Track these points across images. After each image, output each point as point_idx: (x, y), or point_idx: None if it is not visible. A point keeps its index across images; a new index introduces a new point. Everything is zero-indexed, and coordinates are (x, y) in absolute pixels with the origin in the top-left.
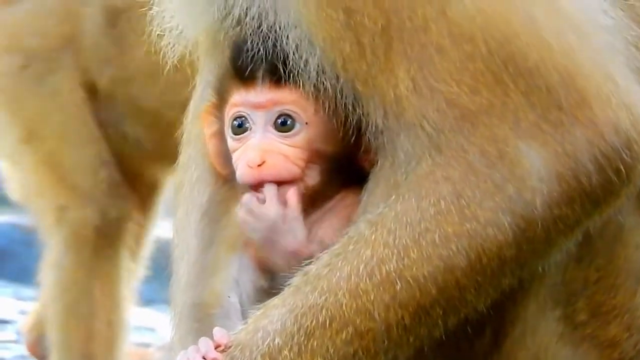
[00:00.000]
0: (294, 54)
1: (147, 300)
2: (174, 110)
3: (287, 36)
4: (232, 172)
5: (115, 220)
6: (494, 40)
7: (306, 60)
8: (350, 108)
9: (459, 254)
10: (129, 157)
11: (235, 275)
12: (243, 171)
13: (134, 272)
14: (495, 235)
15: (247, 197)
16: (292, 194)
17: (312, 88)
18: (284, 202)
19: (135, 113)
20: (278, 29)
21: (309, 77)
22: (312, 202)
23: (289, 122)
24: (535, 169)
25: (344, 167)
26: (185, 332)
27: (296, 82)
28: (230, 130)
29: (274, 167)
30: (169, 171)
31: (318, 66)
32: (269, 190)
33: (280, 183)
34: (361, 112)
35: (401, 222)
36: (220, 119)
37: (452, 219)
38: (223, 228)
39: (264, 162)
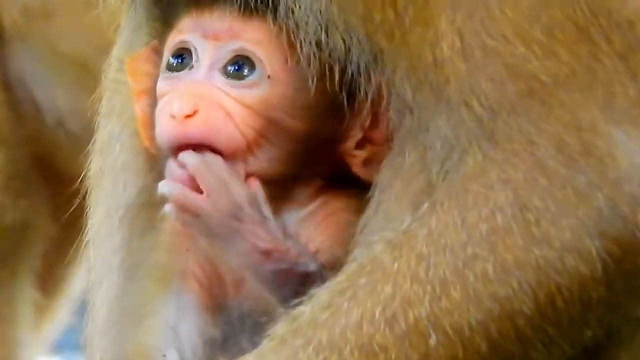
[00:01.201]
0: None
1: (54, 346)
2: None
3: None
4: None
5: (13, 228)
6: None
7: (306, 6)
8: (365, 77)
9: (522, 294)
10: (42, 132)
11: (172, 322)
12: (163, 125)
13: (42, 306)
14: (577, 266)
15: (191, 163)
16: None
17: (313, 46)
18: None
19: (54, 65)
20: None
21: (308, 32)
22: (272, 203)
23: (246, 70)
24: (638, 168)
25: (322, 161)
26: None
27: (273, 20)
28: (164, 67)
29: (208, 122)
30: None
31: (321, 13)
32: (219, 162)
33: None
34: (381, 81)
35: (437, 244)
36: (157, 69)
37: (512, 241)
38: (151, 248)
39: (195, 113)
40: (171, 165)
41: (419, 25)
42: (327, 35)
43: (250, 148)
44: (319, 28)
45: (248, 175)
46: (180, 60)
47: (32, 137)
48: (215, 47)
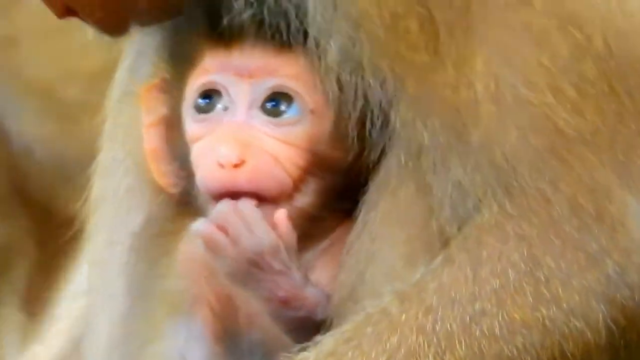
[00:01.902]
0: (315, 40)
1: None
2: (78, 88)
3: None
4: (179, 184)
5: None
6: (613, 31)
7: (337, 46)
8: (380, 115)
9: (526, 354)
10: (12, 161)
11: (181, 351)
12: (209, 173)
13: (28, 330)
14: (582, 331)
15: (223, 209)
16: (283, 217)
17: (334, 84)
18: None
19: (20, 93)
20: None
21: (332, 71)
22: (302, 238)
23: (283, 106)
24: None
25: (347, 189)
26: None
27: (306, 51)
28: (192, 108)
29: (257, 171)
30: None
31: (350, 53)
32: (251, 209)
33: (257, 199)
34: (396, 120)
35: (447, 297)
36: (170, 102)
37: (522, 299)
38: (162, 275)
39: (243, 162)
40: (214, 208)
41: (456, 66)
42: (351, 76)
43: (296, 186)
44: (345, 68)
45: (293, 215)
46: (208, 101)
47: (4, 164)
48: (250, 85)
